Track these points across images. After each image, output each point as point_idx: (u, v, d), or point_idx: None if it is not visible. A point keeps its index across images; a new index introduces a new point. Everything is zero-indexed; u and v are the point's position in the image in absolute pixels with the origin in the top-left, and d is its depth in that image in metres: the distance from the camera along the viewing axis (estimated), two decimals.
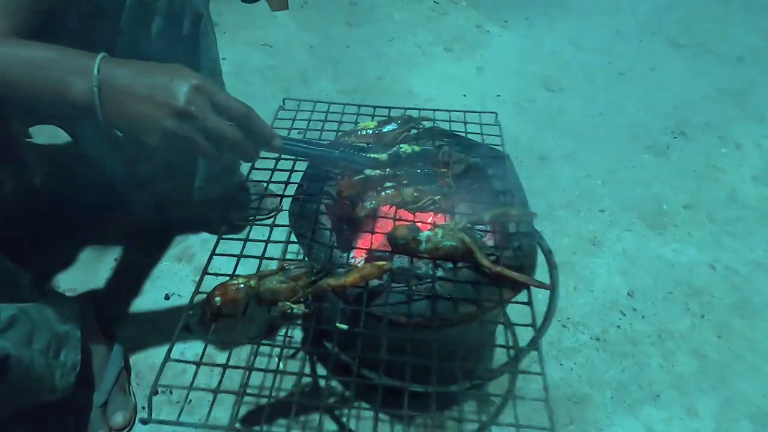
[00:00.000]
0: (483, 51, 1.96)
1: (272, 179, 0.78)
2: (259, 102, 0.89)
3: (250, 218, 1.17)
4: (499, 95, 1.74)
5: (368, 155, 0.70)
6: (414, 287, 0.64)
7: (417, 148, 0.76)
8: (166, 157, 0.97)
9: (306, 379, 0.95)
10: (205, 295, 0.59)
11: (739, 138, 1.61)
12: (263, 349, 0.96)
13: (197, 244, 1.20)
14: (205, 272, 0.63)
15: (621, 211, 1.35)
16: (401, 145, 0.76)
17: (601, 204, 1.37)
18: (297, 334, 1.03)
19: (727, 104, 1.76)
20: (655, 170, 1.49)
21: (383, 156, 0.73)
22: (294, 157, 0.75)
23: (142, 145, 0.53)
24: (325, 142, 0.67)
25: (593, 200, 1.39)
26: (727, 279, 1.20)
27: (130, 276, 1.12)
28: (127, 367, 0.94)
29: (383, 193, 0.69)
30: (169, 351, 0.54)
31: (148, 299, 1.09)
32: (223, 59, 1.85)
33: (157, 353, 0.99)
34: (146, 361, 0.97)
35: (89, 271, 1.12)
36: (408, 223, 0.67)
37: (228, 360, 0.57)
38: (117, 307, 1.06)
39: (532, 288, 0.63)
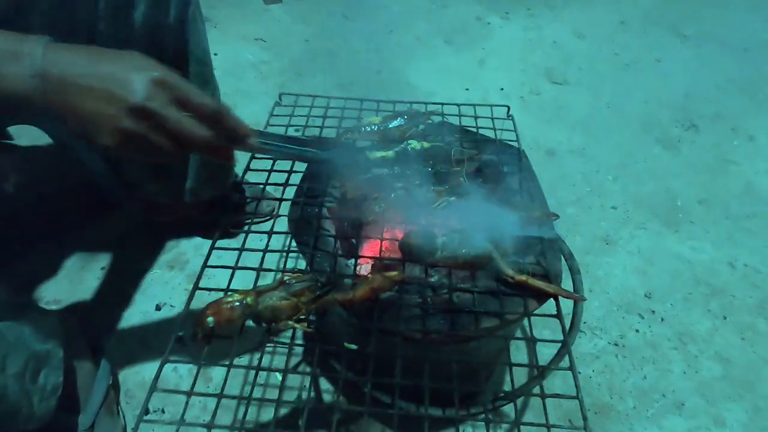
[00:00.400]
0: (484, 43, 1.89)
1: (269, 181, 0.71)
2: (253, 98, 0.83)
3: (246, 222, 1.11)
4: (502, 88, 1.68)
5: (369, 153, 0.62)
6: (429, 299, 0.57)
7: (426, 145, 0.70)
8: (127, 159, 0.89)
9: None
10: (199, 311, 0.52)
11: (751, 129, 1.56)
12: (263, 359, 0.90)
13: (190, 249, 1.13)
14: (196, 287, 0.56)
15: (634, 208, 1.30)
16: (409, 141, 0.70)
17: (613, 200, 1.32)
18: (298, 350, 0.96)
19: (737, 95, 1.71)
20: (667, 164, 1.44)
21: (390, 153, 0.67)
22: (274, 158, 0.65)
23: (96, 147, 0.45)
24: (311, 139, 0.57)
25: (605, 196, 1.33)
26: (747, 277, 1.15)
27: (119, 285, 1.06)
28: (115, 385, 0.87)
29: (392, 194, 0.62)
30: (156, 378, 0.48)
31: (139, 310, 1.02)
32: (215, 55, 1.81)
33: (148, 369, 0.92)
34: (136, 378, 0.90)
35: (75, 281, 1.05)
36: (421, 228, 0.61)
37: (223, 388, 0.50)
38: (105, 320, 0.99)
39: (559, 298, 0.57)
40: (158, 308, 1.01)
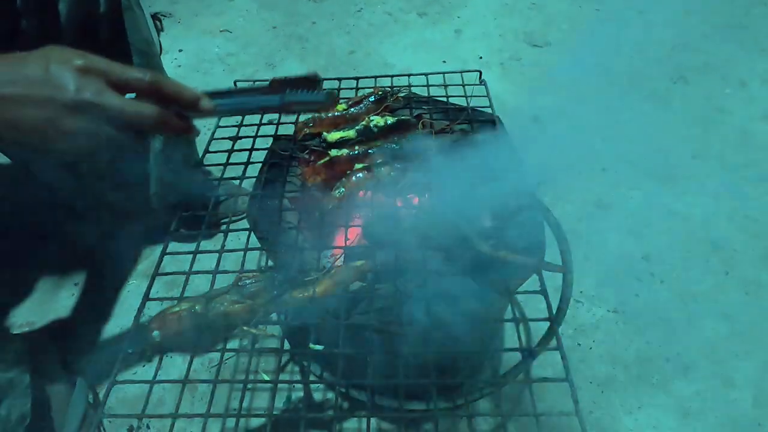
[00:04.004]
0: (459, 12, 1.81)
1: (224, 176, 0.66)
2: None
3: (224, 222, 1.06)
4: (481, 57, 1.61)
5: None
6: (402, 287, 0.53)
7: (390, 119, 0.64)
8: (88, 161, 0.84)
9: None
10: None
11: (743, 76, 1.50)
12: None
13: (166, 257, 1.08)
14: (146, 297, 0.52)
15: (625, 168, 1.24)
16: (372, 118, 0.64)
17: (603, 162, 1.26)
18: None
19: (725, 41, 1.64)
20: (658, 120, 1.38)
21: (351, 132, 0.61)
22: (232, 117, 0.57)
23: (51, 157, 0.41)
24: (262, 87, 0.51)
25: (594, 159, 1.27)
26: (747, 229, 1.10)
27: (95, 300, 1.01)
28: (96, 404, 0.83)
29: (354, 176, 0.57)
30: (105, 398, 0.44)
31: (117, 324, 0.98)
32: (180, 51, 1.74)
33: (130, 385, 0.88)
34: (117, 394, 0.87)
35: (48, 300, 1.01)
36: (387, 211, 0.56)
37: (208, 408, 0.45)
38: (82, 337, 0.95)
39: (543, 272, 0.52)
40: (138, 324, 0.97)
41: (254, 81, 0.82)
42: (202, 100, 0.46)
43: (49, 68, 0.39)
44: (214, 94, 0.48)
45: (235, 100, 0.50)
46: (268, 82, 0.50)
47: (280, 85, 0.50)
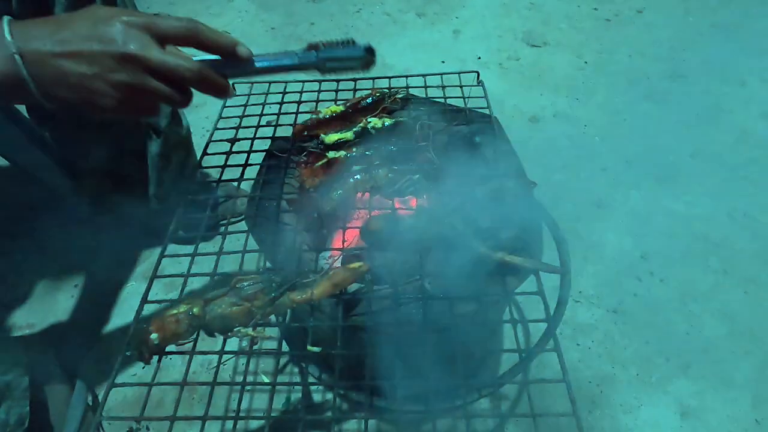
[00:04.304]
0: (458, 12, 1.81)
1: (222, 178, 0.66)
2: None
3: (223, 224, 1.06)
4: (479, 57, 1.60)
5: (324, 137, 0.55)
6: (400, 288, 0.53)
7: (388, 121, 0.64)
8: (127, 121, 0.85)
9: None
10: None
11: (741, 74, 1.49)
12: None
13: (164, 259, 1.08)
14: (144, 300, 0.52)
15: (624, 168, 1.24)
16: (369, 120, 0.64)
17: (602, 162, 1.26)
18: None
19: (724, 40, 1.64)
20: (657, 119, 1.38)
21: (348, 134, 0.61)
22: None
23: (95, 113, 0.43)
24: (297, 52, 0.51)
25: (593, 159, 1.27)
26: (747, 227, 1.10)
27: (94, 302, 1.01)
28: (95, 406, 0.84)
29: (351, 178, 0.57)
30: (103, 402, 0.44)
31: (116, 325, 0.98)
32: None
33: (129, 387, 0.88)
34: (116, 396, 0.87)
35: (48, 302, 1.01)
36: (385, 213, 0.56)
37: (206, 411, 0.46)
38: (82, 339, 0.95)
39: (540, 273, 0.52)
40: (138, 327, 0.97)
41: (251, 83, 0.82)
42: (239, 46, 0.47)
43: (97, 25, 0.41)
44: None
45: (271, 57, 0.50)
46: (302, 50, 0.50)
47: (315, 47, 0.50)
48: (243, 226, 0.62)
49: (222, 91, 0.48)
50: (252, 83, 0.81)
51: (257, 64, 0.49)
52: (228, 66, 0.47)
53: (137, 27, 0.42)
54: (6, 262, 1.05)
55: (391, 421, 0.64)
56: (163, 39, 0.43)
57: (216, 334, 0.47)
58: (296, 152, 0.65)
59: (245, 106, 0.78)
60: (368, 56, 0.50)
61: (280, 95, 0.80)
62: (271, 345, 0.85)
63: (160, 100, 0.45)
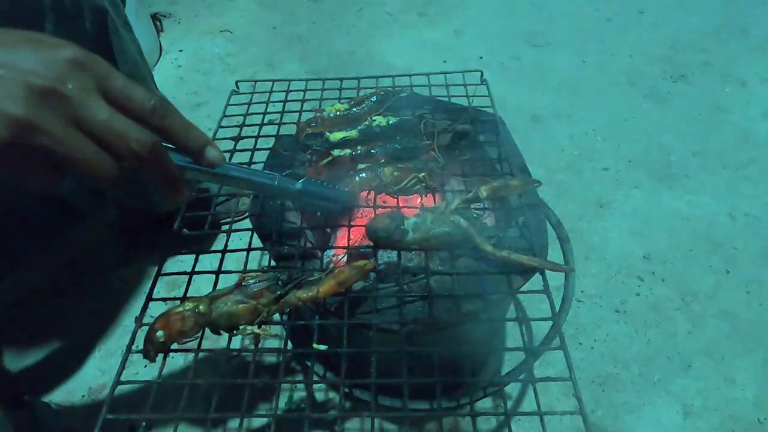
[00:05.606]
0: (460, 12, 1.82)
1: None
2: (222, 93, 0.79)
3: (225, 222, 1.06)
4: (481, 57, 1.61)
5: (329, 135, 0.55)
6: (405, 287, 0.53)
7: (393, 119, 0.64)
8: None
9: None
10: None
11: (742, 75, 1.50)
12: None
13: (171, 265, 1.08)
14: (149, 298, 0.52)
15: (626, 168, 1.25)
16: (374, 118, 0.64)
17: (604, 162, 1.26)
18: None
19: (725, 40, 1.64)
20: (658, 119, 1.38)
21: (353, 132, 0.61)
22: (235, 186, 0.46)
23: None
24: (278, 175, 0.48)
25: (595, 159, 1.28)
26: (748, 227, 1.10)
27: (97, 301, 1.01)
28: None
29: (357, 176, 0.57)
30: (110, 396, 0.44)
31: (120, 325, 0.97)
32: (180, 51, 1.74)
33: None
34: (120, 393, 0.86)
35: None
36: (390, 210, 0.56)
37: (211, 408, 0.46)
38: (84, 339, 0.95)
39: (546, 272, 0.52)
40: (142, 325, 0.97)
41: (255, 81, 0.82)
42: (209, 148, 0.39)
43: (37, 49, 0.32)
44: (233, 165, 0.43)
45: (247, 170, 0.45)
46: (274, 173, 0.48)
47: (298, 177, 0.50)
48: (247, 224, 0.62)
49: (172, 187, 0.38)
50: (255, 81, 0.81)
51: (229, 170, 0.42)
52: (190, 163, 0.39)
53: (89, 69, 0.33)
54: (6, 261, 1.05)
55: (396, 420, 0.65)
56: (119, 102, 0.34)
57: (222, 331, 0.46)
58: (301, 150, 0.65)
59: (249, 104, 0.78)
60: (350, 200, 0.52)
61: (284, 93, 0.80)
62: (276, 343, 0.86)
63: (73, 166, 0.32)
